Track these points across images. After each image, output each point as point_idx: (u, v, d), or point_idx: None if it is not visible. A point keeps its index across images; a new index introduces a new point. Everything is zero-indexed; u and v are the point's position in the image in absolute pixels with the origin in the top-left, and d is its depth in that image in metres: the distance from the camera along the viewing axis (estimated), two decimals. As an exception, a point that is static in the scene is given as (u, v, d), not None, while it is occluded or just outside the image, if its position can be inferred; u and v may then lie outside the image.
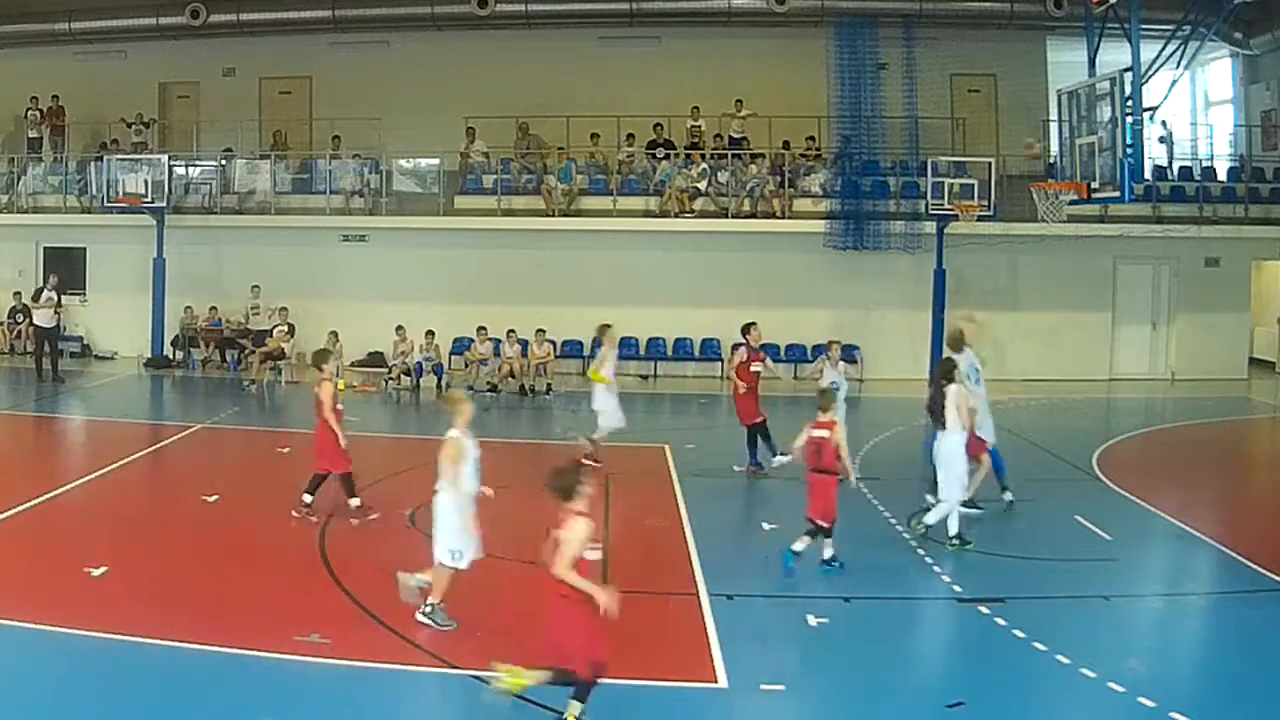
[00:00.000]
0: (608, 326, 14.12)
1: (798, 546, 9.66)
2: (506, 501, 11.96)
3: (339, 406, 11.02)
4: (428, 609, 8.09)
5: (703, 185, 22.53)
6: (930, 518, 10.45)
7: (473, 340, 20.93)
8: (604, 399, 13.73)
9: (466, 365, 20.95)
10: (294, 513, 10.85)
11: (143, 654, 7.40)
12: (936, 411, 10.57)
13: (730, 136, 23.42)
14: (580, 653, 6.25)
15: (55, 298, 20.49)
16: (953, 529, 10.32)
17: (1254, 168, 23.41)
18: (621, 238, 22.31)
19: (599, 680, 6.34)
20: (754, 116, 23.43)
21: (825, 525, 9.64)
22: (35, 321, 20.68)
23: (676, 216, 22.25)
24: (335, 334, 20.63)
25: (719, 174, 22.70)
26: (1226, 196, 22.76)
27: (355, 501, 10.98)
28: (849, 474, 9.65)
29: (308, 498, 10.90)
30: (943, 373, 10.76)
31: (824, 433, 9.72)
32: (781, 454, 13.31)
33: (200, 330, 22.88)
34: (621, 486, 12.25)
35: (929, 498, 10.78)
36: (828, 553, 9.70)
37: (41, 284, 21.05)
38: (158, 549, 10.00)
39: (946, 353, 11.92)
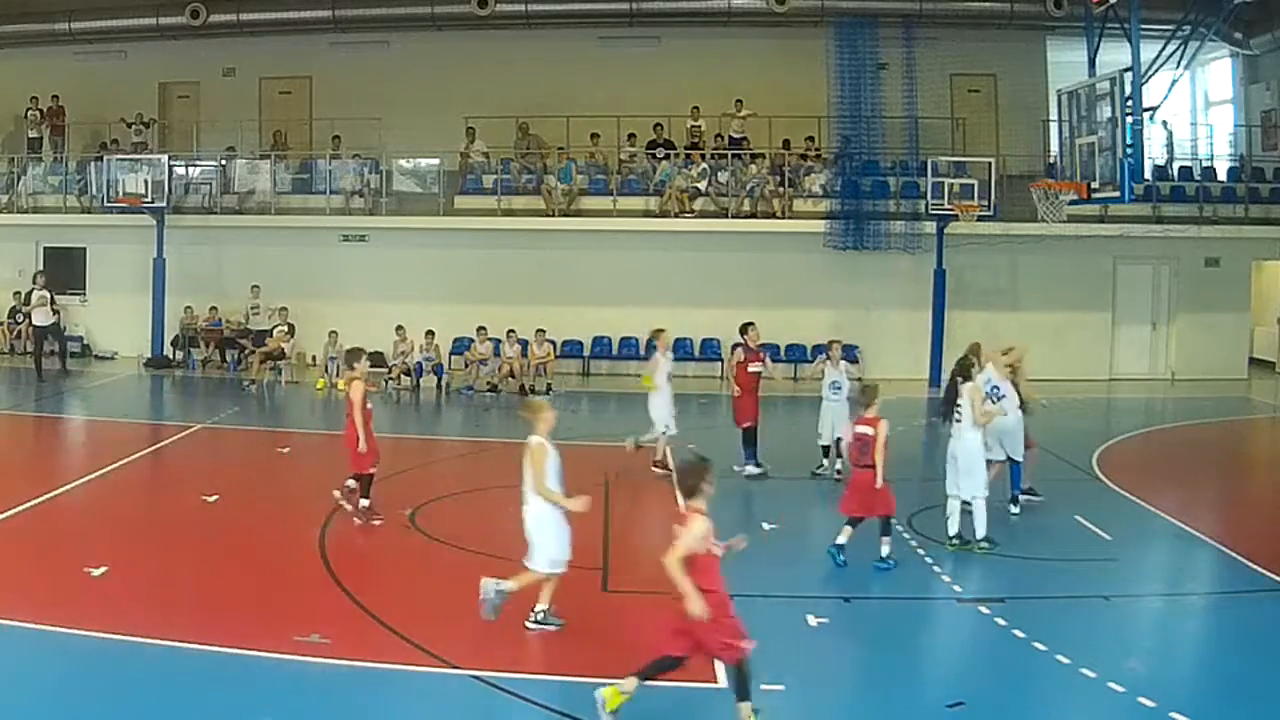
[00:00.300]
0: (661, 331, 13.96)
1: (884, 551, 9.68)
2: (507, 502, 12.00)
3: (369, 406, 10.94)
4: (539, 616, 7.97)
5: (703, 185, 22.53)
6: (979, 529, 10.29)
7: (473, 340, 20.92)
8: (657, 403, 13.43)
9: (466, 365, 20.95)
10: (335, 490, 10.81)
11: (143, 654, 7.39)
12: (949, 408, 10.52)
13: (730, 136, 23.41)
14: (659, 639, 6.52)
15: (47, 295, 20.43)
16: (952, 529, 10.31)
17: (1254, 168, 23.42)
18: (621, 238, 22.30)
19: (662, 671, 6.57)
20: (754, 116, 23.43)
21: (888, 516, 9.71)
22: (34, 321, 20.66)
23: (676, 216, 22.24)
24: (335, 333, 20.66)
25: (719, 174, 22.69)
26: (1226, 196, 22.76)
27: (365, 502, 10.93)
28: (878, 473, 9.59)
29: (351, 482, 10.86)
30: (960, 370, 10.69)
31: (868, 429, 9.74)
32: (756, 465, 13.20)
33: (200, 330, 22.88)
34: (622, 486, 12.24)
35: (950, 503, 10.53)
36: (843, 539, 9.71)
37: (31, 285, 21.00)
38: (158, 549, 10.00)
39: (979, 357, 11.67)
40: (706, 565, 6.44)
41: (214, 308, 22.89)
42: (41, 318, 20.35)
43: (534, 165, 23.28)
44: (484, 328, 20.65)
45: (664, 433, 13.27)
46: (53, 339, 20.40)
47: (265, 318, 21.93)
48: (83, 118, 25.03)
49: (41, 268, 21.99)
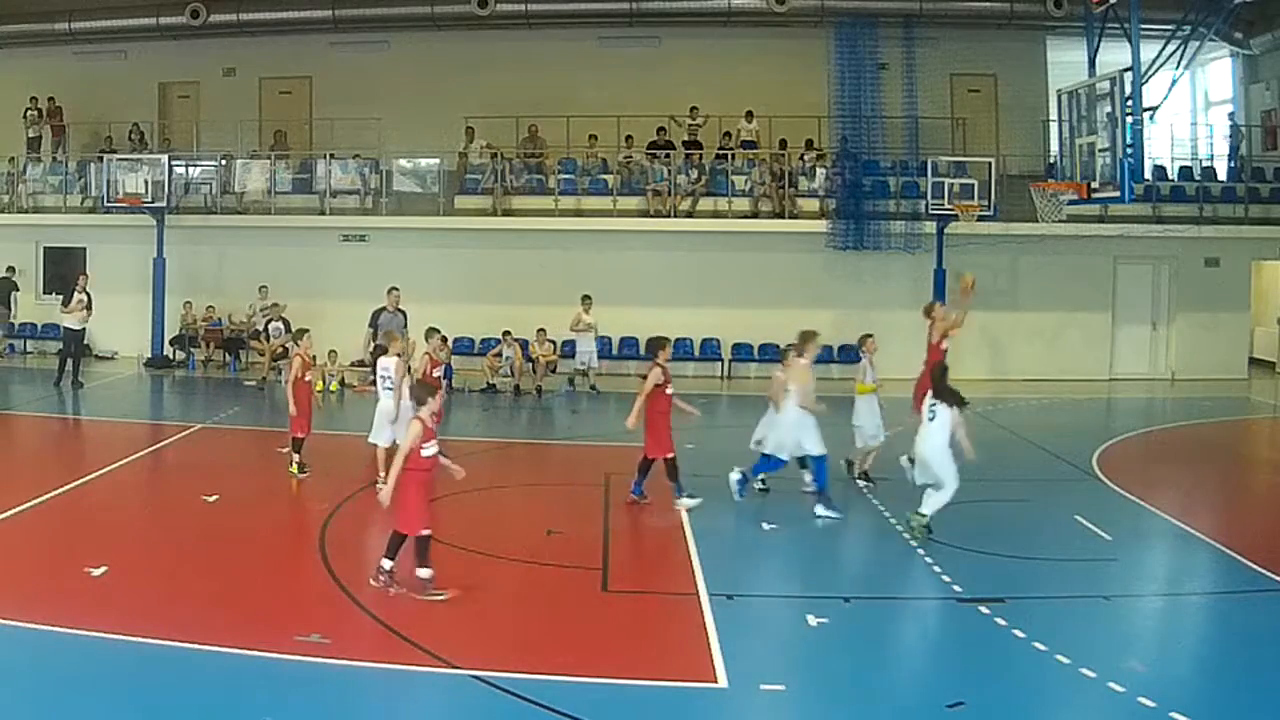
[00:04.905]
0: (869, 336, 13.45)
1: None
2: (504, 501, 12.01)
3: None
4: None
5: (703, 185, 22.52)
6: None
7: (473, 341, 20.89)
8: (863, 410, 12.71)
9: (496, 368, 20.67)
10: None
11: (143, 654, 7.39)
12: None
13: (742, 141, 23.41)
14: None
15: (86, 299, 19.88)
16: None
17: (1254, 168, 23.41)
18: (621, 238, 22.30)
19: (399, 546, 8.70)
20: (758, 118, 23.44)
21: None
22: (66, 325, 19.90)
23: (676, 216, 22.24)
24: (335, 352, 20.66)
25: (717, 174, 22.69)
26: (1226, 196, 22.76)
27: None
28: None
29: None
30: None
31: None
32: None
33: (200, 328, 22.83)
34: (622, 486, 12.23)
35: None
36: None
37: (72, 287, 20.29)
38: (158, 549, 9.99)
39: None
40: (417, 461, 8.54)
41: (210, 307, 22.87)
42: (75, 322, 19.72)
43: (536, 164, 23.26)
44: (509, 331, 20.42)
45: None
46: (74, 347, 19.66)
47: (275, 314, 21.78)
48: (83, 118, 25.02)
49: (52, 269, 21.65)
